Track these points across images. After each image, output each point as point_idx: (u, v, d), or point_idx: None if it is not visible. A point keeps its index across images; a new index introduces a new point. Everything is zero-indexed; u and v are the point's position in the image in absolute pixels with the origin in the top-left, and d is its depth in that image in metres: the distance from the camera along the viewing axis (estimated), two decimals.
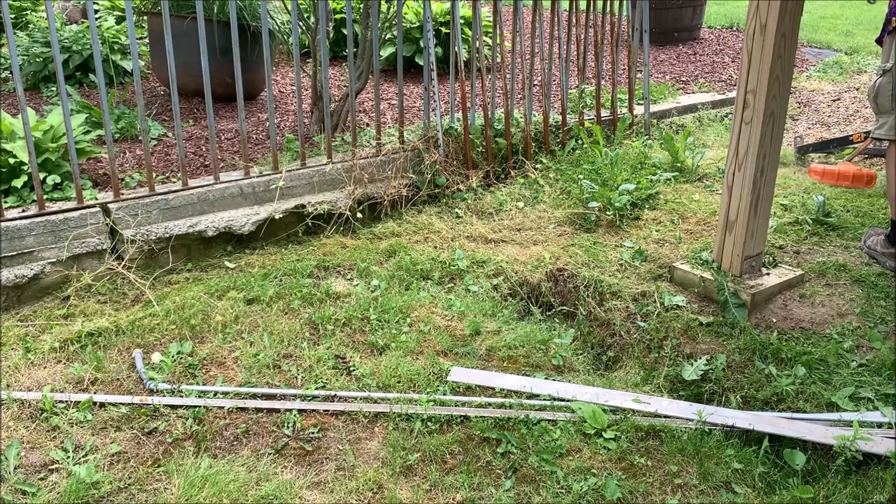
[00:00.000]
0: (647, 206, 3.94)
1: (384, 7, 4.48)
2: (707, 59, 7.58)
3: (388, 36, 5.06)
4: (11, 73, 3.62)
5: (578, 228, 3.76)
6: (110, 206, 3.33)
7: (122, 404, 2.49)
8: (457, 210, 4.03)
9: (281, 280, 3.31)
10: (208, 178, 3.69)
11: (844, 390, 2.48)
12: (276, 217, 3.68)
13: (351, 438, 2.38)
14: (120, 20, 6.24)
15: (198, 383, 2.63)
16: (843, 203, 3.99)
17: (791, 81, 2.89)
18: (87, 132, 4.01)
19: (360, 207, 3.90)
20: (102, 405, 2.49)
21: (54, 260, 3.17)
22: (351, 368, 2.72)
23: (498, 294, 3.29)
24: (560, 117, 4.75)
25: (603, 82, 4.99)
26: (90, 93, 5.30)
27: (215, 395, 2.56)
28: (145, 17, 5.44)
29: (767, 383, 2.57)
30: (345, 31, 5.49)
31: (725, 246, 3.07)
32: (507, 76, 4.59)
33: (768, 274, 3.10)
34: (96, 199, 3.39)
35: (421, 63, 6.05)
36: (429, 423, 2.42)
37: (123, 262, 3.29)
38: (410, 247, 3.62)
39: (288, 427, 2.42)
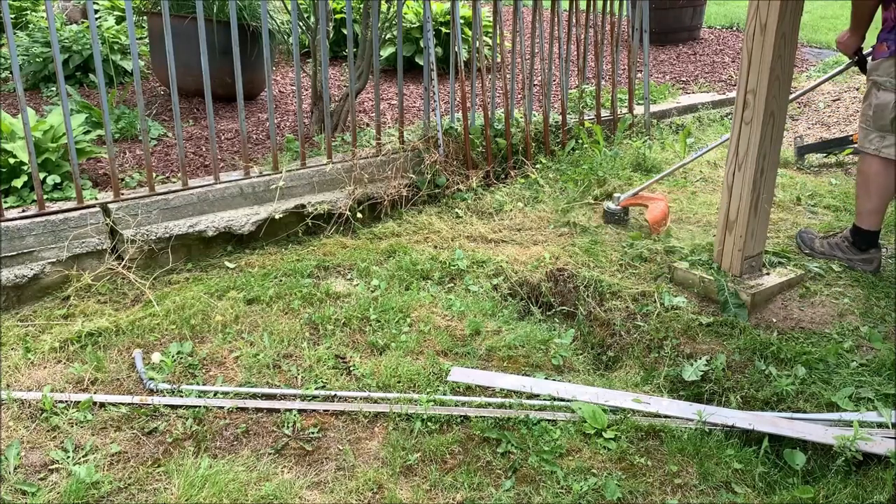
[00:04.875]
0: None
1: (384, 7, 4.48)
2: (707, 59, 7.58)
3: (388, 36, 5.06)
4: (11, 73, 3.62)
5: (578, 228, 3.76)
6: (110, 206, 3.33)
7: (122, 404, 2.49)
8: (457, 210, 4.03)
9: (281, 280, 3.31)
10: (208, 178, 3.69)
11: (844, 390, 2.48)
12: (276, 217, 3.67)
13: (351, 438, 2.38)
14: (120, 20, 6.24)
15: (198, 383, 2.63)
16: (844, 203, 3.99)
17: (791, 81, 2.89)
18: (87, 132, 4.01)
19: (360, 207, 3.90)
20: (102, 405, 2.49)
21: (54, 260, 3.17)
22: (351, 368, 2.72)
23: (498, 294, 3.28)
24: (560, 117, 4.75)
25: (603, 82, 4.99)
26: (90, 93, 5.30)
27: (215, 395, 2.56)
28: (145, 17, 5.44)
29: (767, 383, 2.57)
30: (345, 31, 5.48)
31: (725, 246, 3.07)
32: (507, 76, 4.59)
33: (768, 274, 3.10)
34: (96, 199, 3.39)
35: (421, 63, 6.05)
36: (429, 423, 2.42)
37: (123, 262, 3.29)
38: (410, 247, 3.62)
39: (288, 427, 2.42)
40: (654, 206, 3.67)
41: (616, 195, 3.85)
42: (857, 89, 6.43)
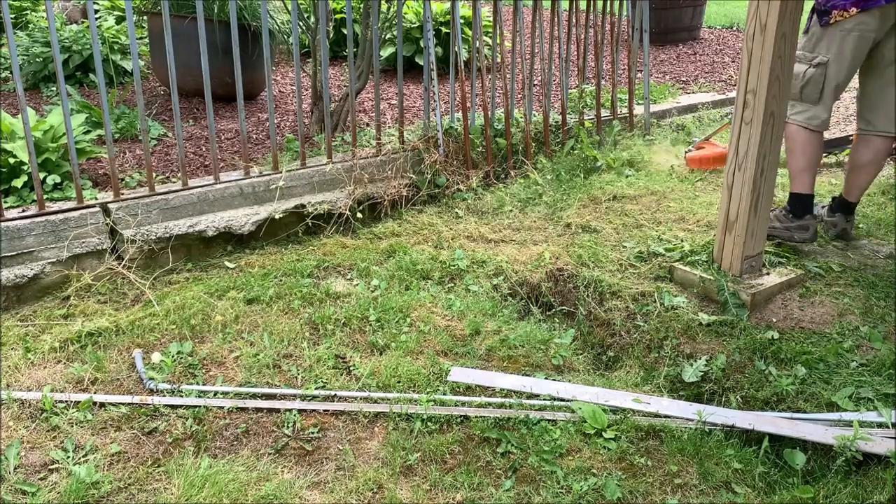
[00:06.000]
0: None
1: (384, 7, 4.48)
2: (707, 59, 7.58)
3: (388, 36, 5.06)
4: (11, 72, 3.62)
5: (578, 228, 3.76)
6: (110, 206, 3.33)
7: (122, 404, 2.49)
8: (457, 210, 4.03)
9: (281, 280, 3.31)
10: (208, 178, 3.69)
11: (844, 390, 2.48)
12: (276, 217, 3.67)
13: (351, 438, 2.38)
14: (120, 20, 6.24)
15: (198, 383, 2.63)
16: None
17: (791, 81, 2.89)
18: (87, 132, 4.01)
19: (360, 207, 3.90)
20: (102, 405, 2.49)
21: (54, 260, 3.17)
22: (351, 368, 2.72)
23: (498, 294, 3.29)
24: (560, 117, 4.75)
25: (603, 82, 4.99)
26: (90, 93, 5.30)
27: (215, 394, 2.56)
28: (145, 17, 5.45)
29: (767, 383, 2.57)
30: (345, 31, 5.48)
31: (725, 246, 3.07)
32: (507, 76, 4.59)
33: (768, 274, 3.10)
34: (96, 199, 3.39)
35: (421, 63, 6.05)
36: (429, 423, 2.42)
37: (123, 262, 3.29)
38: (410, 247, 3.62)
39: (288, 427, 2.42)
40: (709, 149, 4.43)
41: (695, 139, 4.79)
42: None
